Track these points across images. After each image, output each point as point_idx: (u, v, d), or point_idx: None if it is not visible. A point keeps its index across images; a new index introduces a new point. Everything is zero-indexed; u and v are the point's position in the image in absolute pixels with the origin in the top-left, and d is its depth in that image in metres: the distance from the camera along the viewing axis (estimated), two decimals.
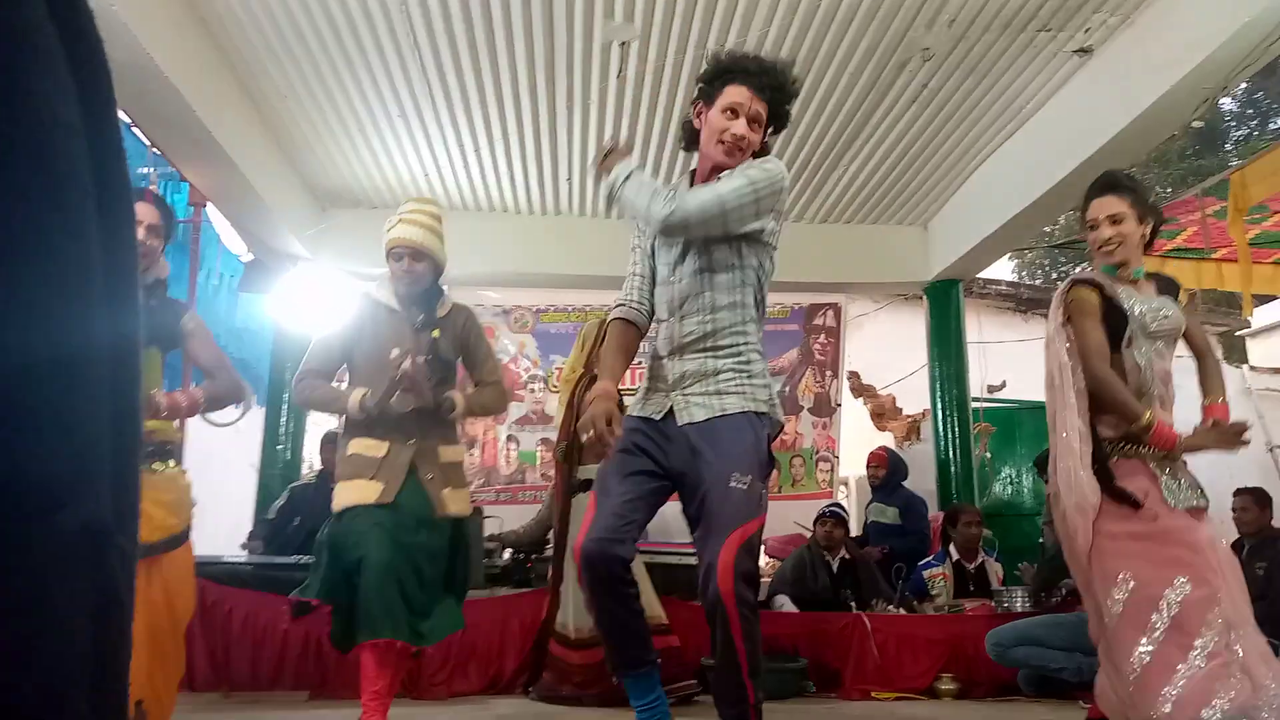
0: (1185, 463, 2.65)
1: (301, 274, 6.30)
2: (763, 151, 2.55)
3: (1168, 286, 2.80)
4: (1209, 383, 2.79)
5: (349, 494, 3.01)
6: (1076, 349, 2.66)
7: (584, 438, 2.39)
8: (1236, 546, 5.36)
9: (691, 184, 2.54)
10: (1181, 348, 2.81)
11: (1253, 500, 5.40)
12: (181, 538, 2.76)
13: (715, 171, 2.49)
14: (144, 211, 2.76)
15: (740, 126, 2.43)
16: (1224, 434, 2.63)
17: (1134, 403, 2.58)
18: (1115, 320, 2.65)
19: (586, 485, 4.03)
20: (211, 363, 2.94)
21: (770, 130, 2.55)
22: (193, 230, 5.31)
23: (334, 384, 3.25)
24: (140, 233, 2.73)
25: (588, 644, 4.08)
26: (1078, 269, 3.17)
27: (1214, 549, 2.53)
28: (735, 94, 2.45)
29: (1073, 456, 2.58)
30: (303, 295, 6.26)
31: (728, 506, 2.30)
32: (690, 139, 2.59)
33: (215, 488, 7.11)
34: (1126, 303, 2.66)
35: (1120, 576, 2.47)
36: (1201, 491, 2.61)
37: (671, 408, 2.43)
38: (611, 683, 2.77)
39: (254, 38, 4.79)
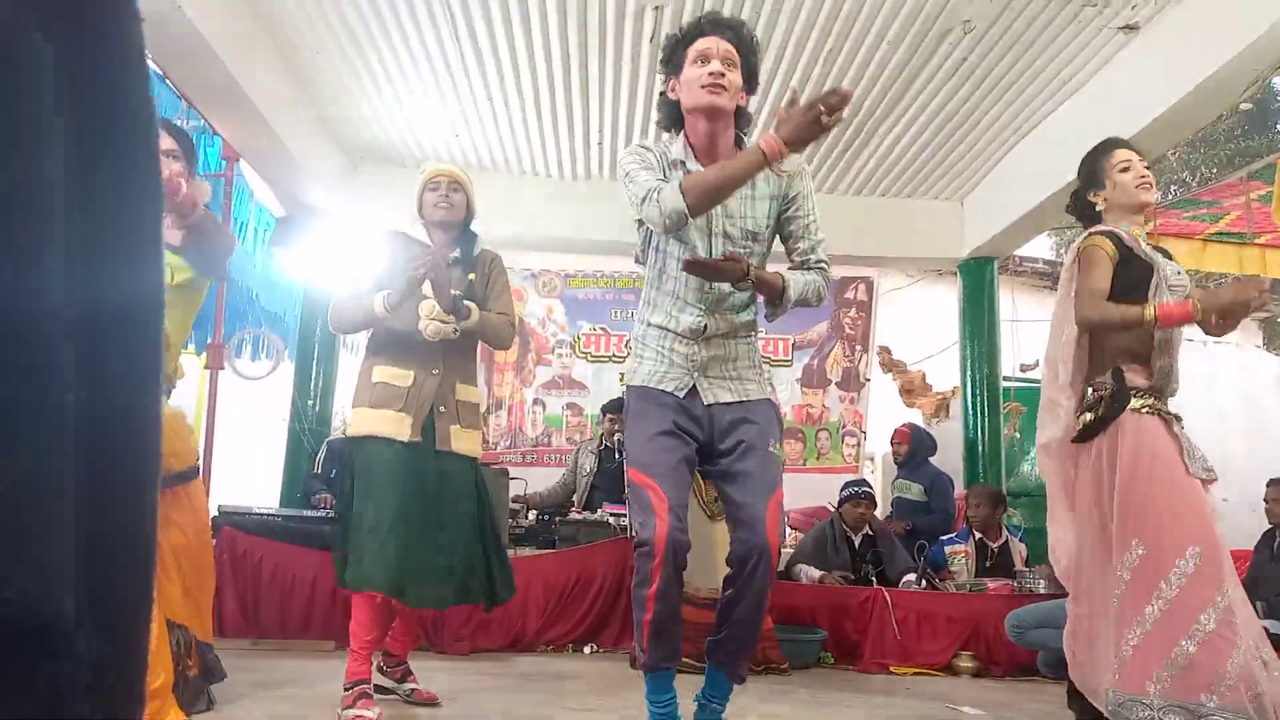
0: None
1: (331, 229, 6.33)
2: (743, 118, 2.54)
3: (1164, 253, 2.81)
4: None
5: (377, 423, 3.01)
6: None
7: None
8: (1267, 537, 5.31)
9: (694, 154, 2.50)
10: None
11: None
12: (192, 473, 2.89)
13: (710, 121, 2.45)
14: None
15: (715, 66, 2.41)
16: (1243, 284, 2.57)
17: (1129, 309, 2.57)
18: (1138, 270, 2.66)
19: None
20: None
21: (745, 88, 2.50)
22: (226, 185, 5.34)
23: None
24: None
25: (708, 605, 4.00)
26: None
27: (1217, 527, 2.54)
28: (700, 44, 2.44)
29: (1054, 388, 2.73)
30: (332, 251, 6.29)
31: (770, 469, 2.44)
32: (670, 115, 2.55)
33: (246, 441, 7.26)
34: (1149, 253, 2.67)
35: (1134, 541, 2.48)
36: (1208, 466, 2.61)
37: (694, 387, 2.48)
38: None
39: None
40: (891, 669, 4.77)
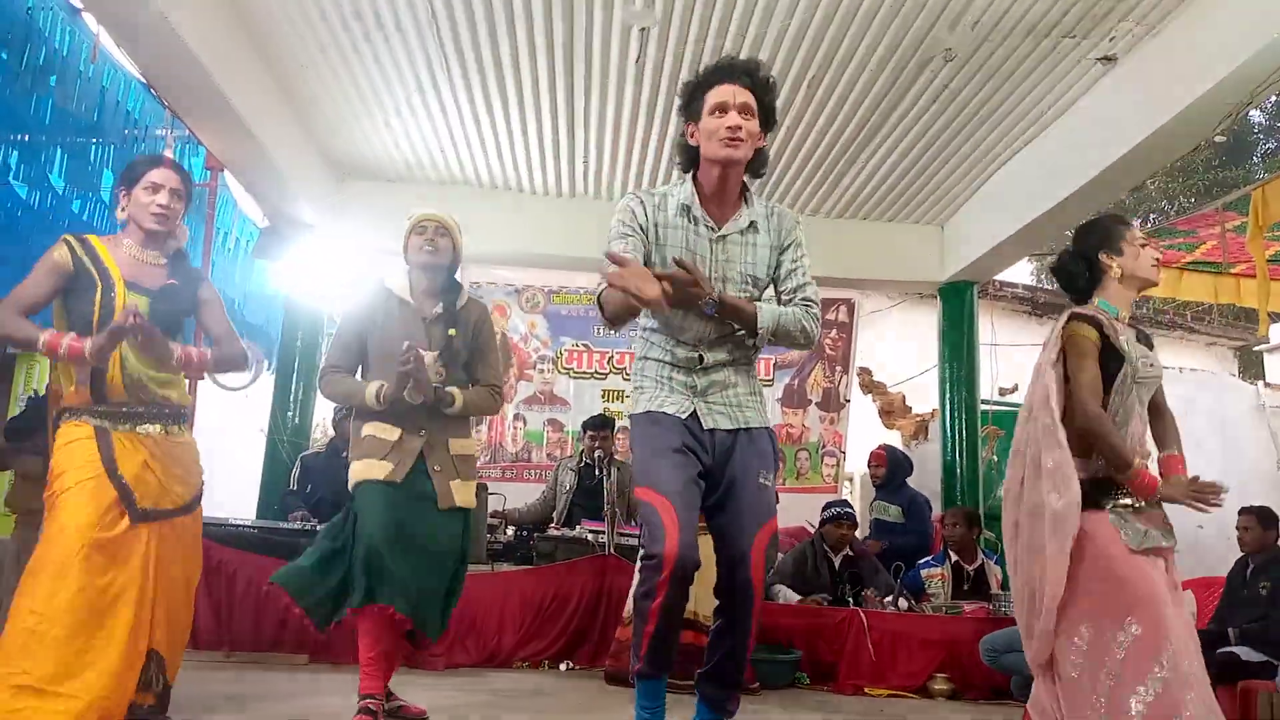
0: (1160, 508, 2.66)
1: (315, 243, 6.32)
2: (760, 161, 2.56)
3: (1145, 339, 2.82)
4: (1167, 436, 2.84)
5: (365, 470, 3.12)
6: (1066, 385, 2.67)
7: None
8: (1240, 565, 5.34)
9: (700, 198, 2.53)
10: None
11: (1256, 519, 5.37)
12: (194, 504, 2.89)
13: (726, 170, 2.49)
14: (164, 176, 2.84)
15: (733, 119, 2.44)
16: (1200, 489, 2.60)
17: (1124, 448, 2.59)
18: (1109, 361, 2.67)
19: None
20: (221, 331, 3.04)
21: (762, 128, 2.53)
22: (209, 194, 5.34)
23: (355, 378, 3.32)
24: (164, 197, 2.81)
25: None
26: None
27: (1172, 593, 2.54)
28: (717, 94, 2.49)
29: (1053, 480, 2.59)
30: (315, 264, 6.29)
31: (761, 501, 2.47)
32: (688, 159, 2.60)
33: (223, 453, 7.20)
34: (1124, 345, 2.68)
35: (1083, 627, 2.52)
36: (1169, 532, 2.63)
37: (695, 411, 2.51)
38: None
39: (274, 5, 4.79)
40: (866, 690, 4.77)
